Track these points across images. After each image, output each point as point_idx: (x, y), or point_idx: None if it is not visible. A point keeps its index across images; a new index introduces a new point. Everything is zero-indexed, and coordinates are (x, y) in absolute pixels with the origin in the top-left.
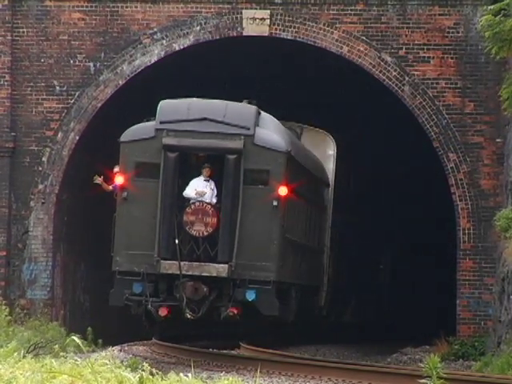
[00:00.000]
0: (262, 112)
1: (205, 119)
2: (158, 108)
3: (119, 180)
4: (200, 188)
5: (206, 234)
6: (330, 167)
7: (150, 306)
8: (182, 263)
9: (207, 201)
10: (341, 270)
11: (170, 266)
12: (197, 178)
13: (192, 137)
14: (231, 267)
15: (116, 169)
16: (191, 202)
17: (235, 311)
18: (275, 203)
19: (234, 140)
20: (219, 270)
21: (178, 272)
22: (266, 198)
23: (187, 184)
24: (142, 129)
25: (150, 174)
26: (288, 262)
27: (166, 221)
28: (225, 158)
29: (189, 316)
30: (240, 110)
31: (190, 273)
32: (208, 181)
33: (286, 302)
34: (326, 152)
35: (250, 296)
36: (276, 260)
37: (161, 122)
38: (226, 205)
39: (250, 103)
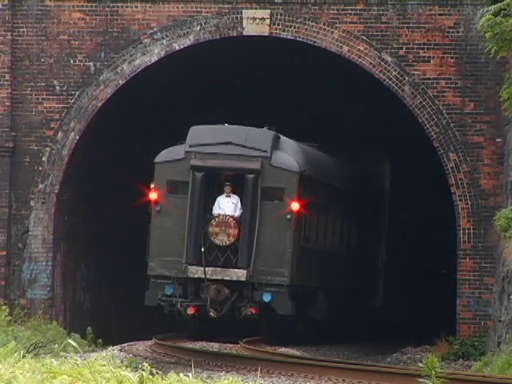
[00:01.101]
0: (282, 136)
1: (228, 143)
2: (188, 133)
3: (153, 196)
4: (223, 204)
5: (228, 243)
6: (386, 183)
7: (179, 306)
8: (206, 269)
9: (230, 214)
10: (397, 273)
11: (196, 271)
12: (221, 196)
13: (216, 158)
14: (249, 272)
15: (152, 186)
16: (216, 215)
17: (253, 311)
18: (289, 217)
19: (252, 161)
20: (239, 274)
21: (204, 276)
22: (280, 212)
23: (212, 199)
24: (174, 151)
25: (180, 191)
26: (307, 267)
27: (194, 231)
28: (245, 177)
29: (212, 314)
30: (259, 135)
31: (213, 277)
32: (230, 196)
33: (312, 303)
34: (381, 169)
35: (267, 297)
36: (289, 266)
37: (190, 146)
38: (246, 218)
39: (269, 129)
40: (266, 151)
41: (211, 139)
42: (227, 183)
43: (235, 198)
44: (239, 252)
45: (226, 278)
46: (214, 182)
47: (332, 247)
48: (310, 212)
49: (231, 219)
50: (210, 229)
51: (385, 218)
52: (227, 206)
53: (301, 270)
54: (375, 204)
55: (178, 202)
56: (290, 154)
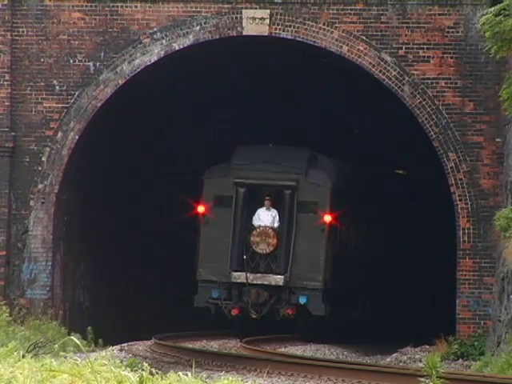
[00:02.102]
0: (316, 154)
1: (268, 162)
2: (234, 152)
3: (201, 209)
4: (263, 217)
5: (268, 251)
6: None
7: (224, 308)
8: (248, 274)
9: (269, 225)
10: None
11: (239, 277)
12: (261, 209)
13: (257, 176)
14: (287, 277)
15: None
16: (257, 226)
17: (290, 312)
18: (322, 228)
19: (290, 178)
20: (277, 279)
21: (246, 281)
22: (314, 223)
23: (253, 212)
24: (220, 169)
25: (225, 204)
26: (338, 272)
27: (237, 241)
28: (283, 193)
29: (253, 315)
30: (296, 154)
31: (254, 282)
32: (269, 210)
33: (344, 305)
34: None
35: (302, 300)
36: (322, 272)
37: (234, 164)
38: (284, 229)
39: (305, 148)
40: (301, 169)
41: (253, 158)
42: (267, 198)
43: (274, 211)
44: (278, 259)
45: (265, 283)
46: (255, 197)
47: (361, 253)
48: (340, 223)
49: (271, 230)
50: (252, 238)
51: (403, 223)
52: (266, 218)
53: (333, 275)
54: (398, 212)
55: (223, 214)
56: (323, 171)
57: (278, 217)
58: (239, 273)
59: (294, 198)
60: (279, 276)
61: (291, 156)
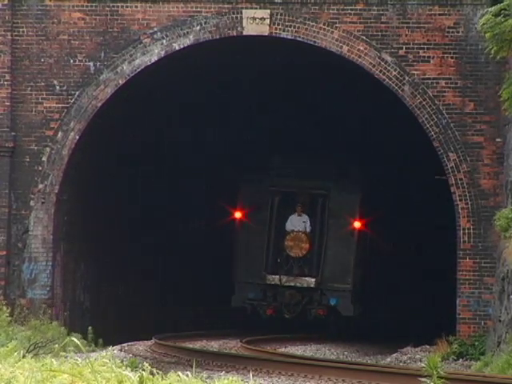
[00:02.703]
0: (349, 163)
1: (302, 170)
2: (270, 161)
3: (238, 214)
4: (295, 222)
5: (300, 255)
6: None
7: (259, 308)
8: (282, 276)
9: (302, 230)
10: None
11: (273, 279)
12: (293, 215)
13: (291, 184)
14: (318, 280)
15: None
16: (290, 231)
17: (321, 312)
18: (351, 233)
19: (322, 187)
20: (309, 282)
21: (280, 283)
22: (345, 229)
23: (287, 218)
24: (256, 177)
25: (261, 210)
26: (367, 275)
27: (272, 245)
28: (315, 200)
29: (287, 315)
30: (328, 163)
31: (287, 284)
32: (301, 216)
33: (373, 306)
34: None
35: (333, 301)
36: (352, 275)
37: (270, 172)
38: (316, 234)
39: (336, 158)
40: (333, 178)
41: (288, 166)
42: (299, 204)
43: (305, 217)
44: (310, 263)
45: (298, 285)
46: (288, 203)
47: (388, 257)
48: (369, 228)
49: (303, 235)
50: (286, 243)
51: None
52: (298, 223)
53: (361, 277)
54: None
55: (259, 219)
56: (353, 179)
57: (309, 222)
58: (274, 275)
59: (326, 205)
60: (311, 278)
61: (324, 165)
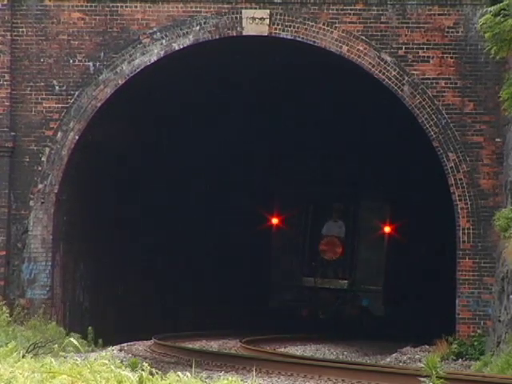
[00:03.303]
0: (380, 171)
1: (336, 180)
2: (306, 169)
3: (275, 221)
4: (331, 227)
5: (334, 258)
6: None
7: (295, 308)
8: (316, 279)
9: (336, 235)
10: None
11: (309, 281)
12: (329, 221)
13: (326, 192)
14: (351, 282)
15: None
16: (325, 236)
17: (354, 312)
18: (382, 238)
19: (354, 194)
20: (342, 284)
21: (315, 285)
22: (376, 234)
23: (322, 224)
24: (293, 185)
25: (297, 217)
26: (397, 278)
27: (307, 249)
28: (348, 207)
29: (321, 316)
30: (359, 171)
31: (322, 286)
32: (337, 221)
33: (402, 306)
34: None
35: (365, 302)
36: (383, 277)
37: (306, 180)
38: (349, 239)
39: (368, 166)
40: (364, 186)
41: (323, 174)
42: (335, 211)
43: (341, 223)
44: (343, 266)
45: (332, 287)
46: (323, 210)
47: (417, 260)
48: (399, 233)
49: (337, 239)
50: (321, 247)
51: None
52: (334, 229)
53: (392, 280)
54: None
55: (294, 225)
56: (383, 187)
57: (344, 228)
58: (309, 278)
59: (358, 212)
60: (344, 280)
61: (356, 173)
